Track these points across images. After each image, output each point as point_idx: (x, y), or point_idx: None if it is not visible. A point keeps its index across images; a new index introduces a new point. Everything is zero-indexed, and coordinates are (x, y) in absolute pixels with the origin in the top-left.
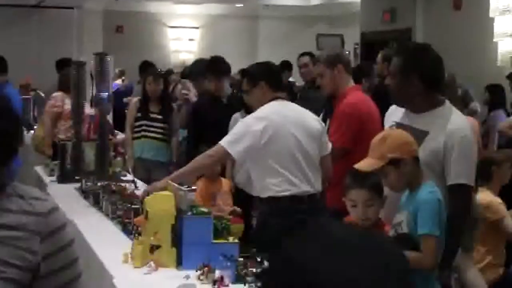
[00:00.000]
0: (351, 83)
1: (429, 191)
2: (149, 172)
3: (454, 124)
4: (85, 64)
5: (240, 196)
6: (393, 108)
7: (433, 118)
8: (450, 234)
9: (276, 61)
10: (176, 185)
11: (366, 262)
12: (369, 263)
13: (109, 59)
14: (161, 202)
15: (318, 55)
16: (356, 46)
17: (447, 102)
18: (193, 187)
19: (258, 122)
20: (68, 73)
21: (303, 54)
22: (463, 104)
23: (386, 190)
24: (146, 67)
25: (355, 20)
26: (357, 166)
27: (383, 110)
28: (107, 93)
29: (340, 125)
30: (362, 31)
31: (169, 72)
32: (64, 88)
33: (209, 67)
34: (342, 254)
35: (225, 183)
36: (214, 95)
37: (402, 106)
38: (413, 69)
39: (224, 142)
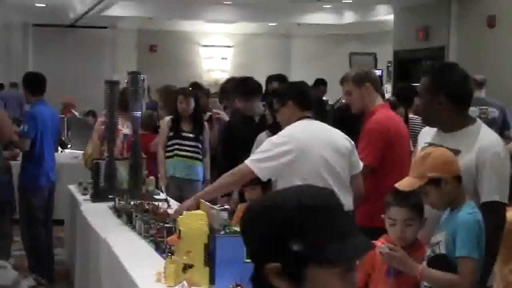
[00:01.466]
0: (380, 101)
1: (469, 212)
2: (181, 190)
3: (485, 141)
4: (119, 83)
5: None
6: (426, 129)
7: (464, 136)
8: (484, 252)
9: (309, 79)
10: (208, 204)
11: None
12: None
13: (142, 77)
14: (194, 221)
15: (346, 73)
16: (388, 65)
17: (478, 120)
18: (225, 206)
19: (283, 140)
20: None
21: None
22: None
23: (427, 211)
24: (196, 88)
25: (388, 38)
26: (397, 185)
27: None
28: (140, 112)
29: (367, 143)
30: (395, 49)
31: (207, 92)
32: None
33: (238, 88)
34: None
35: None
36: (245, 114)
37: (432, 126)
38: (440, 88)
39: (249, 160)
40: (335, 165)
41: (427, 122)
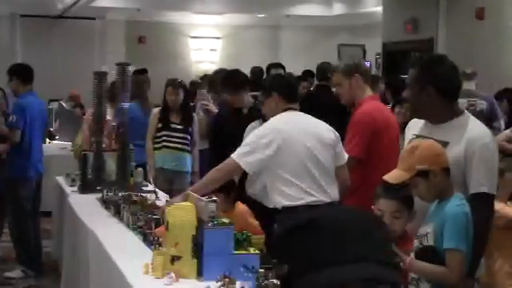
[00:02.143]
0: (369, 92)
1: (457, 204)
2: (170, 182)
3: (474, 132)
4: (107, 74)
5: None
6: (413, 121)
7: (452, 128)
8: (473, 243)
9: (298, 71)
10: (196, 195)
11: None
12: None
13: (130, 69)
14: (182, 213)
15: (336, 64)
16: (377, 56)
17: (466, 112)
18: (214, 198)
19: (267, 132)
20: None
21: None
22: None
23: (416, 204)
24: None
25: (377, 30)
26: (386, 177)
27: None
28: (128, 104)
29: (354, 134)
30: (384, 41)
31: (194, 83)
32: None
33: (225, 81)
34: None
35: (240, 207)
36: (234, 106)
37: (420, 117)
38: (428, 80)
39: (235, 155)
40: (319, 156)
41: (415, 113)
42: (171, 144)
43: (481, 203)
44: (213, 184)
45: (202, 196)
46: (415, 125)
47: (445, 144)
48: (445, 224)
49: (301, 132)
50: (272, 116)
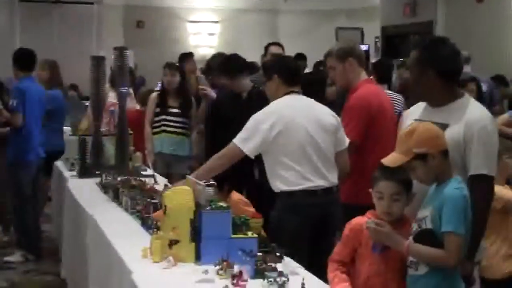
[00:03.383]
0: (364, 76)
1: (455, 187)
2: (169, 166)
3: (473, 114)
4: (104, 58)
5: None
6: (413, 107)
7: (452, 110)
8: (472, 226)
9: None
10: (194, 179)
11: None
12: None
13: (128, 53)
14: (179, 196)
15: (330, 48)
16: (376, 40)
17: (466, 94)
18: (211, 182)
19: (267, 116)
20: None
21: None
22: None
23: (415, 187)
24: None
25: (376, 14)
26: (383, 161)
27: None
28: (126, 88)
29: (350, 119)
30: (383, 24)
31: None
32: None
33: (222, 66)
34: None
35: (235, 197)
36: (232, 91)
37: (420, 100)
38: (429, 63)
39: (236, 139)
40: (319, 141)
41: (416, 95)
42: (170, 129)
43: (481, 185)
44: (215, 171)
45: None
46: (415, 111)
47: (445, 126)
48: (443, 207)
49: (302, 116)
50: (273, 99)
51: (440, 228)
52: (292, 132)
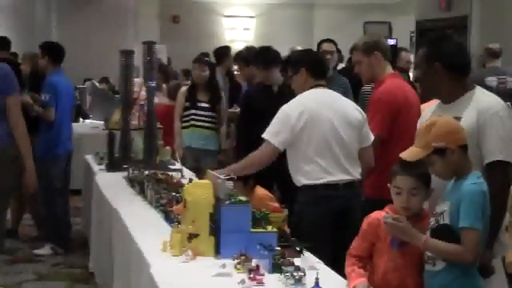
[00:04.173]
0: (389, 69)
1: (474, 182)
2: (198, 161)
3: (483, 102)
4: (133, 53)
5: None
6: (426, 109)
7: (463, 102)
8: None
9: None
10: (214, 173)
11: None
12: None
13: (157, 47)
14: (199, 190)
15: (356, 42)
16: (412, 35)
17: (476, 86)
18: (232, 176)
19: (294, 109)
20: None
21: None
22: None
23: (433, 181)
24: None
25: (410, 8)
26: (402, 155)
27: None
28: (154, 82)
29: (375, 113)
30: (417, 19)
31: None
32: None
33: (257, 57)
34: None
35: (259, 192)
36: (265, 84)
37: (432, 97)
38: (436, 58)
39: (267, 135)
40: (343, 135)
41: (427, 93)
42: (199, 123)
43: (497, 172)
44: (252, 168)
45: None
46: (428, 111)
47: (458, 119)
48: (461, 202)
49: (327, 110)
50: (300, 92)
51: (458, 224)
52: (317, 125)
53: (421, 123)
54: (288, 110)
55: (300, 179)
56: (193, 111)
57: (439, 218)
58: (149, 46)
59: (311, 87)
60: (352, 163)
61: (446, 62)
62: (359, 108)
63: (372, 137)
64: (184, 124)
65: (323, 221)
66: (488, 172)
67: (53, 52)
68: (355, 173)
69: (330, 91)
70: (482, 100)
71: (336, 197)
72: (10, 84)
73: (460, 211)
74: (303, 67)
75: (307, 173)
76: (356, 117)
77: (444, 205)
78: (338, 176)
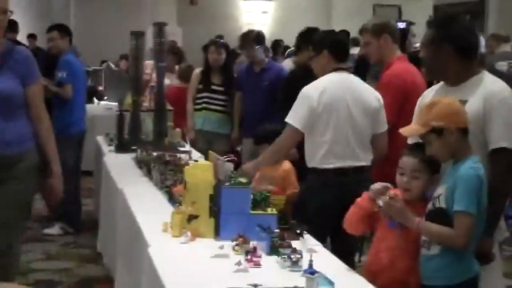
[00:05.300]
0: (398, 52)
1: (470, 166)
2: (210, 143)
3: (491, 88)
4: (144, 34)
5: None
6: (426, 92)
7: (470, 86)
8: (492, 201)
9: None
10: (215, 154)
11: None
12: None
13: (169, 29)
14: (200, 172)
15: (365, 24)
16: (430, 19)
17: (483, 71)
18: (232, 157)
19: (314, 91)
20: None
21: None
22: None
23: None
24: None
25: None
26: (401, 130)
27: None
28: (164, 63)
29: (384, 97)
30: (435, 3)
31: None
32: None
33: (304, 38)
34: None
35: (286, 165)
36: (308, 67)
37: (437, 78)
38: (445, 39)
39: (289, 118)
40: (359, 121)
41: (432, 73)
42: (212, 106)
43: (501, 158)
44: (279, 154)
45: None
46: (430, 93)
47: (464, 102)
48: (457, 186)
49: (347, 95)
50: (321, 74)
51: (452, 208)
52: (335, 110)
53: (421, 102)
54: (309, 93)
55: (311, 161)
56: (206, 93)
57: (435, 201)
58: (159, 28)
59: (333, 70)
60: (364, 149)
61: (455, 44)
62: (378, 95)
63: (386, 124)
64: (197, 107)
65: (327, 209)
66: (492, 158)
67: (68, 31)
68: (366, 159)
69: (351, 75)
70: (489, 86)
71: (345, 183)
72: (32, 70)
73: (455, 195)
74: (326, 49)
75: (318, 156)
76: (373, 105)
77: (441, 188)
78: (348, 162)
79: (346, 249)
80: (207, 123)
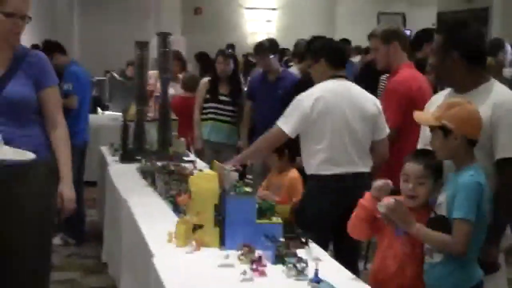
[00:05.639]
0: (406, 60)
1: (471, 174)
2: (217, 153)
3: (500, 96)
4: (148, 44)
5: None
6: (436, 96)
7: (478, 94)
8: (496, 211)
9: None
10: (220, 164)
11: None
12: None
13: (172, 38)
14: (205, 181)
15: (375, 29)
16: (433, 26)
17: (492, 78)
18: (237, 167)
19: (309, 98)
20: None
21: None
22: None
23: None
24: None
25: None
26: (415, 114)
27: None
28: (169, 73)
29: (390, 103)
30: (439, 11)
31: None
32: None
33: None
34: None
35: (293, 173)
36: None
37: (445, 84)
38: (453, 45)
39: (279, 121)
40: (356, 128)
41: (440, 80)
42: (219, 117)
43: (507, 168)
44: (261, 152)
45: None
46: (439, 99)
47: None
48: (457, 193)
49: (343, 102)
50: (319, 82)
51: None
52: (331, 116)
53: (428, 108)
54: (303, 99)
55: (309, 168)
56: (213, 104)
57: (437, 209)
58: (163, 37)
59: (330, 77)
60: (362, 156)
61: (464, 51)
62: (376, 100)
63: (387, 130)
64: (204, 117)
65: (325, 215)
66: (499, 167)
67: (57, 45)
68: (364, 165)
69: (349, 82)
70: (498, 94)
71: (342, 188)
72: (47, 73)
73: (455, 202)
74: (323, 58)
75: (316, 162)
76: (371, 110)
77: (442, 196)
78: (346, 168)
79: (349, 256)
80: (214, 134)
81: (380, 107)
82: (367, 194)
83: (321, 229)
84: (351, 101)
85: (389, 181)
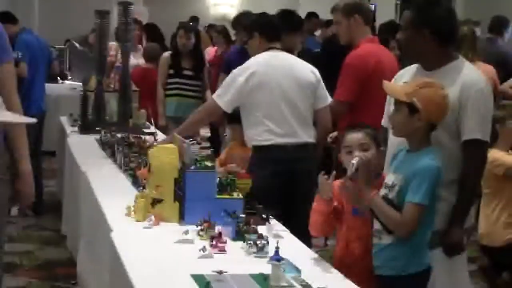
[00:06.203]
0: (368, 34)
1: (431, 157)
2: None
3: (468, 77)
4: (109, 13)
5: None
6: (405, 69)
7: (446, 73)
8: (462, 192)
9: (322, 14)
10: (181, 138)
11: None
12: None
13: (132, 8)
14: (165, 155)
15: (337, 3)
16: (397, 2)
17: (460, 57)
18: (198, 140)
19: (243, 72)
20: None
21: None
22: None
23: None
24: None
25: None
26: (385, 84)
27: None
28: (130, 43)
29: (344, 77)
30: None
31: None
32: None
33: (285, 21)
34: None
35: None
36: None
37: (413, 61)
38: (424, 23)
39: (214, 95)
40: (294, 97)
41: (409, 57)
42: (185, 92)
43: (474, 150)
44: (197, 125)
45: (187, 137)
46: (405, 74)
47: None
48: (416, 177)
49: (278, 73)
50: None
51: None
52: (267, 88)
53: (396, 81)
54: (237, 73)
55: (250, 140)
56: (177, 79)
57: (390, 190)
58: (124, 7)
59: (265, 50)
60: (303, 126)
61: (434, 28)
62: (314, 69)
63: (329, 99)
64: (169, 92)
65: (270, 185)
66: (465, 149)
67: (8, 14)
68: (306, 135)
69: (284, 53)
70: (467, 74)
71: (285, 159)
72: (6, 48)
73: (412, 184)
74: (257, 32)
75: (256, 134)
76: (308, 79)
77: (396, 178)
78: (287, 139)
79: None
80: (181, 109)
81: (319, 75)
82: (317, 198)
83: (265, 199)
84: (287, 72)
85: (326, 176)
